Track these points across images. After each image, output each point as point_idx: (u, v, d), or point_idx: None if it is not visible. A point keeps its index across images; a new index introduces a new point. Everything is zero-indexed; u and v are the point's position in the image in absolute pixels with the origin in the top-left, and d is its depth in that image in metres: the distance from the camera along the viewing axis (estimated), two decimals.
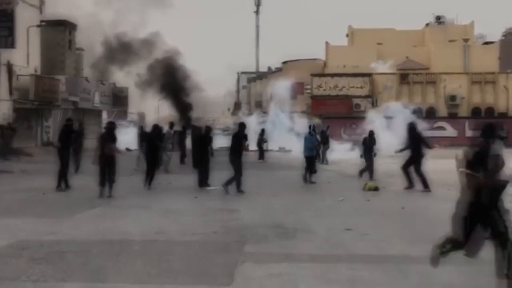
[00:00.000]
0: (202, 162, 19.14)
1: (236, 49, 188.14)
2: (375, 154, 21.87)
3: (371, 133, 22.41)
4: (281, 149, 42.99)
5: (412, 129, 18.68)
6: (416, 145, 18.31)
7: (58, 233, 10.54)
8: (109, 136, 16.47)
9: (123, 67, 53.66)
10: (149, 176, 18.41)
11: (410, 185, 18.38)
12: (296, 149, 30.14)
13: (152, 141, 19.57)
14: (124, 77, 54.68)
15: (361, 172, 21.85)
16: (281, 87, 55.56)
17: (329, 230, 11.01)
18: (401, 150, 18.76)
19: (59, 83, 43.90)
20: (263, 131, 37.22)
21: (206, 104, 58.93)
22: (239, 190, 17.10)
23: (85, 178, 20.21)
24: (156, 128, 21.33)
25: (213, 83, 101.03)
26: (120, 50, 52.31)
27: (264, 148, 36.47)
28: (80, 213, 13.08)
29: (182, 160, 29.71)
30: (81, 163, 23.23)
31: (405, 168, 18.49)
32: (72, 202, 15.09)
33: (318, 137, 21.74)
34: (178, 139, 31.70)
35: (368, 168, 21.64)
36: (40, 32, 42.53)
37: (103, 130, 17.30)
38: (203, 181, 18.84)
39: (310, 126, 22.28)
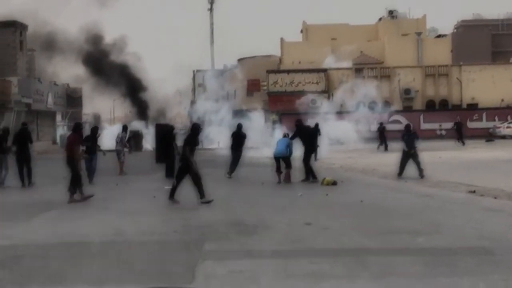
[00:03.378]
0: (169, 156, 20.97)
1: (186, 48, 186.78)
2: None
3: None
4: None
5: (299, 125, 20.41)
6: (308, 140, 20.04)
7: (14, 237, 10.32)
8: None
9: (62, 63, 52.82)
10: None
11: (309, 177, 19.52)
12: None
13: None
14: (63, 72, 53.76)
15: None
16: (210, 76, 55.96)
17: (289, 225, 11.02)
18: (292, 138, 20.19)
19: (11, 84, 43.20)
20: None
21: (159, 103, 58.65)
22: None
23: (39, 179, 20.04)
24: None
25: (162, 82, 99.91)
26: (59, 46, 51.57)
27: None
28: (36, 216, 12.84)
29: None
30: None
31: (306, 162, 19.71)
32: (28, 205, 14.81)
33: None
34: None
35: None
36: None
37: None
38: (169, 173, 20.59)
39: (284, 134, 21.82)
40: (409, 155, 19.78)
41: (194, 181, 14.37)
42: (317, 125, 22.22)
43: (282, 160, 19.51)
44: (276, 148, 19.81)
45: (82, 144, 16.13)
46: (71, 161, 15.30)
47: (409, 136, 20.11)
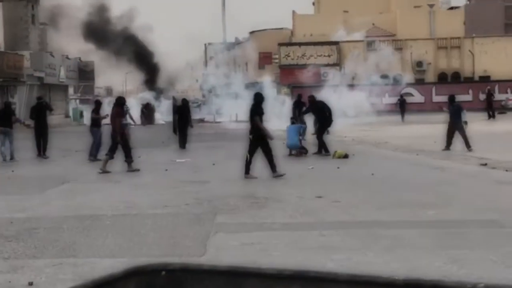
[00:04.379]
0: (183, 128, 22.64)
1: (197, 20, 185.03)
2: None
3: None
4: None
5: (312, 101, 20.37)
6: (322, 115, 19.66)
7: (28, 210, 10.43)
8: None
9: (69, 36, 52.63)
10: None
11: (321, 151, 19.11)
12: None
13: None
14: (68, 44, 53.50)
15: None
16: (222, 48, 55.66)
17: (300, 198, 11.05)
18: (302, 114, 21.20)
19: (24, 58, 43.20)
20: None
21: (169, 75, 58.45)
22: None
23: (52, 153, 20.19)
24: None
25: (172, 54, 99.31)
26: (65, 20, 51.46)
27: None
28: (50, 189, 12.95)
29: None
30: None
31: (320, 136, 19.39)
32: (41, 178, 14.94)
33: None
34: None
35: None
36: (2, 7, 41.70)
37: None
38: (182, 143, 22.36)
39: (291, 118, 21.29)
40: (457, 127, 19.27)
41: (266, 154, 14.17)
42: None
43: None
44: (288, 140, 19.13)
45: (123, 117, 16.40)
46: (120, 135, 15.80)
47: (453, 108, 19.65)
